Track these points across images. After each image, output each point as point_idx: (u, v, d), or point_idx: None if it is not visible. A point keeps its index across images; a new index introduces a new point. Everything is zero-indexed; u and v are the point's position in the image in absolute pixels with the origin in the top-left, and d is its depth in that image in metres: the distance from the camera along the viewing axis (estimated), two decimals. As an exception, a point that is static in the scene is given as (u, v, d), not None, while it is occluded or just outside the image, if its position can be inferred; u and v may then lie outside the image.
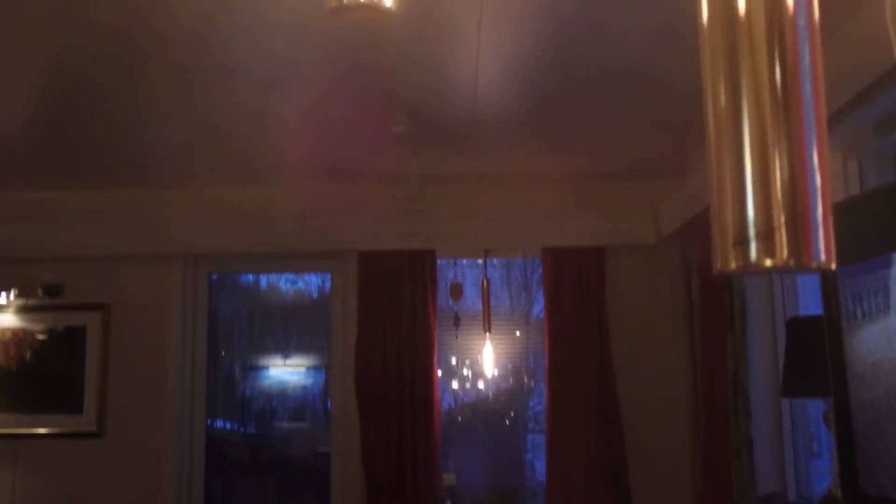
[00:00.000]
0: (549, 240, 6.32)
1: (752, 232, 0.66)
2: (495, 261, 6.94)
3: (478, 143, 5.29)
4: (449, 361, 7.13)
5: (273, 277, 7.29)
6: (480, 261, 6.60)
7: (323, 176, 6.05)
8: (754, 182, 0.67)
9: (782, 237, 0.66)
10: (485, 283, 5.81)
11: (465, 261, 6.94)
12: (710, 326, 5.44)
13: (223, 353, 7.05)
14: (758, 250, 0.66)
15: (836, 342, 3.41)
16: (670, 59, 3.81)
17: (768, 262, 0.65)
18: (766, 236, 0.65)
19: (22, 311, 6.42)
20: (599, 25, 3.65)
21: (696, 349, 6.05)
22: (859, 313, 3.59)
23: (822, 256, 0.66)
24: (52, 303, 6.40)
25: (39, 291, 6.40)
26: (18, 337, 6.43)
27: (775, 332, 5.26)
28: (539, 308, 6.91)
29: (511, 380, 7.29)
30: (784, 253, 0.65)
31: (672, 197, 5.97)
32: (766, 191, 0.67)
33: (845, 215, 3.88)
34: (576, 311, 6.26)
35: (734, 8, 0.72)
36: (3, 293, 6.41)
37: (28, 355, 6.41)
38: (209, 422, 6.63)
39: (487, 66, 4.03)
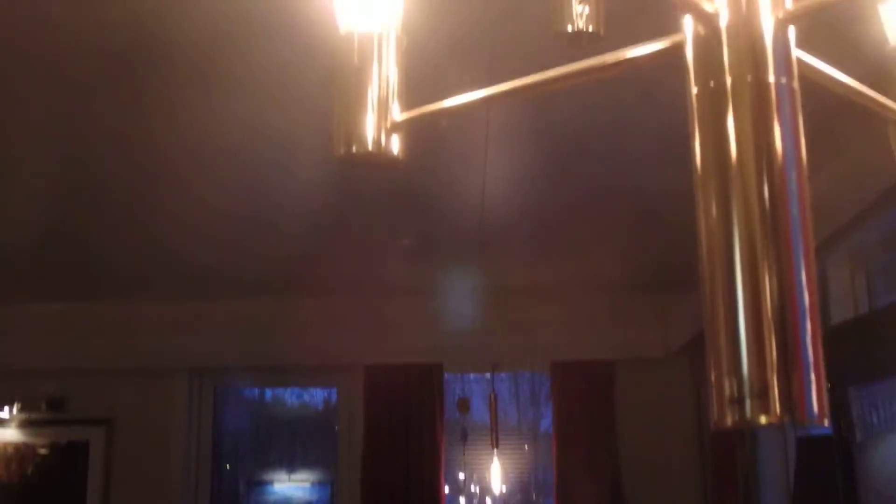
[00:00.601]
0: (558, 354, 6.28)
1: (747, 390, 0.70)
2: (503, 375, 6.88)
3: (485, 256, 5.28)
4: (456, 476, 7.02)
5: (278, 391, 7.23)
6: (488, 375, 6.54)
7: (328, 289, 6.05)
8: (748, 340, 0.71)
9: (776, 395, 0.69)
10: (492, 398, 5.75)
11: (472, 374, 6.88)
12: (720, 443, 5.36)
13: (227, 467, 6.96)
14: (753, 408, 0.69)
15: (848, 462, 3.34)
16: (676, 174, 3.81)
17: (763, 419, 0.68)
18: (761, 394, 0.69)
19: (24, 425, 6.36)
20: (605, 142, 3.67)
21: (707, 465, 5.95)
22: (875, 420, 3.55)
23: (815, 412, 0.70)
24: (55, 417, 6.34)
25: (42, 405, 6.34)
26: (20, 452, 6.36)
27: (786, 451, 5.17)
28: (547, 423, 6.83)
29: (519, 496, 7.16)
30: (778, 409, 0.68)
31: (680, 311, 5.94)
32: (761, 350, 0.71)
33: (856, 334, 3.84)
34: (585, 426, 6.18)
35: (726, 151, 0.75)
36: (6, 407, 6.35)
37: (30, 471, 6.33)
38: (212, 539, 6.51)
39: (495, 183, 4.05)
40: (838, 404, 3.60)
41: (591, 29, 1.37)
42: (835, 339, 3.94)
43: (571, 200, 4.40)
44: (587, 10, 1.37)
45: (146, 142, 3.68)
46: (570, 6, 1.36)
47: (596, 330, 6.24)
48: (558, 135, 3.60)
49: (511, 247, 5.13)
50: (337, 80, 1.03)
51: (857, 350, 3.72)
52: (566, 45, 1.37)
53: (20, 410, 6.36)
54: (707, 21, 0.79)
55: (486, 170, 3.83)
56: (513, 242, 5.05)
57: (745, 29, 0.78)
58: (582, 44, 1.37)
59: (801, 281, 0.73)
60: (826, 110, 0.96)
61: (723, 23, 0.79)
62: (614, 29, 1.33)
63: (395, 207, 4.50)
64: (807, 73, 0.87)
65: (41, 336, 6.29)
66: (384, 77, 1.03)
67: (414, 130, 1.02)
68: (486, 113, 3.08)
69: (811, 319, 0.72)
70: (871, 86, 1.01)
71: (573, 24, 1.37)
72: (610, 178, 4.09)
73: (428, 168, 3.87)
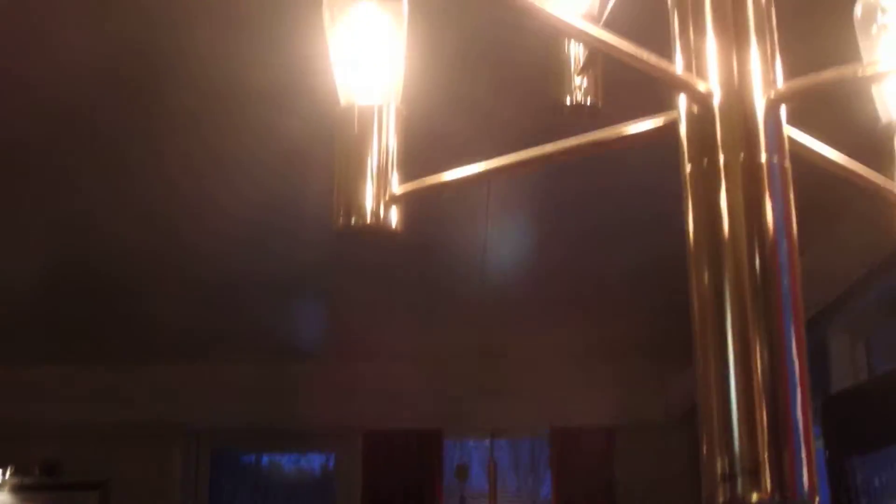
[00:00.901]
0: (557, 419, 6.24)
1: (738, 467, 0.71)
2: (502, 441, 6.84)
3: (484, 321, 5.29)
4: (455, 544, 6.94)
5: (275, 456, 7.17)
6: (487, 442, 6.50)
7: (326, 353, 6.04)
8: (740, 416, 0.73)
9: (767, 472, 0.70)
10: (491, 466, 5.72)
11: (471, 441, 6.83)
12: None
13: (224, 534, 6.89)
14: (744, 485, 0.71)
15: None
16: (674, 243, 3.83)
17: (754, 497, 0.69)
18: (752, 472, 0.70)
19: (18, 490, 6.29)
20: (603, 213, 3.70)
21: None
22: (878, 487, 3.52)
23: (806, 489, 0.70)
24: (49, 482, 6.27)
25: (36, 469, 6.28)
26: (13, 517, 6.28)
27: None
28: (547, 489, 6.77)
29: (518, 564, 7.08)
30: (769, 486, 0.69)
31: (679, 377, 5.92)
32: (752, 427, 0.72)
33: (856, 401, 3.83)
34: (584, 492, 6.13)
35: (719, 227, 0.77)
36: None
37: (23, 537, 6.26)
38: None
39: (495, 247, 4.07)
40: (839, 472, 3.58)
41: (589, 101, 1.39)
42: (836, 407, 3.93)
43: (571, 265, 4.41)
44: (586, 82, 1.39)
45: (143, 213, 3.71)
46: (570, 78, 1.38)
47: (596, 395, 6.21)
48: (560, 200, 3.62)
49: (510, 310, 5.13)
50: (337, 152, 1.05)
51: (858, 418, 3.71)
52: (565, 116, 1.39)
53: (13, 475, 6.29)
54: (700, 100, 0.81)
55: (486, 235, 3.85)
56: (512, 306, 5.05)
57: (738, 108, 0.80)
58: (581, 116, 1.38)
59: (791, 356, 0.74)
60: (826, 177, 0.97)
61: (716, 102, 0.81)
62: (612, 102, 1.35)
63: (394, 273, 4.51)
64: (799, 150, 0.89)
65: (35, 398, 6.25)
66: (384, 149, 1.05)
67: (414, 200, 1.03)
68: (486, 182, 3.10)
69: (801, 394, 0.73)
70: (865, 162, 1.02)
71: (572, 97, 1.39)
72: (610, 245, 4.11)
73: (428, 234, 3.89)
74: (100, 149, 3.33)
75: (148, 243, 4.09)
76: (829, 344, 4.19)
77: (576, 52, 1.36)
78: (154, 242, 4.10)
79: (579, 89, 1.38)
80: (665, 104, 0.87)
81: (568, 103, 1.37)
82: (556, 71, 1.37)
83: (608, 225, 3.86)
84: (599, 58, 1.24)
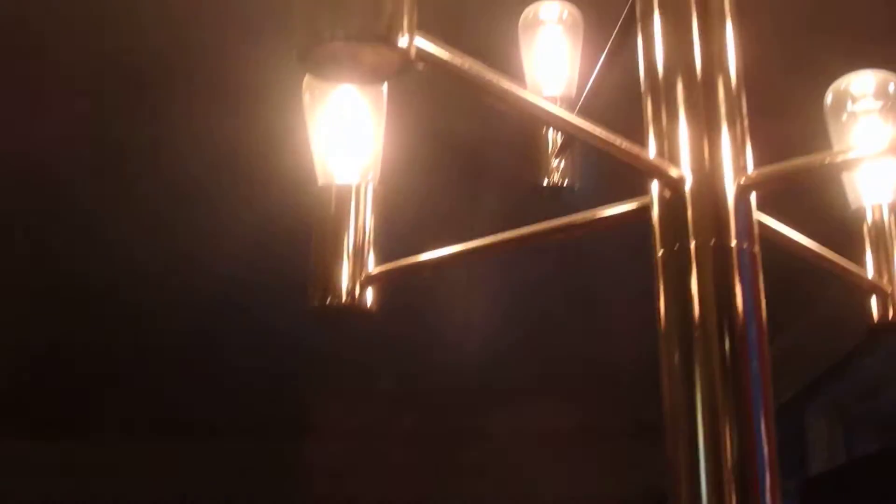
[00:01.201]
0: (527, 501, 6.18)
1: None
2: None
3: (456, 402, 5.27)
4: None
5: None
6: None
7: (312, 433, 5.98)
8: (709, 497, 0.74)
9: None
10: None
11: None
12: None
13: None
14: None
15: None
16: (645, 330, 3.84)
17: None
18: None
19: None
20: (568, 296, 3.72)
21: None
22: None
23: None
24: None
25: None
26: None
27: None
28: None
29: None
30: None
31: (651, 460, 5.89)
32: None
33: (834, 484, 3.82)
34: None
35: (690, 312, 0.78)
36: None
37: None
38: None
39: (463, 329, 4.06)
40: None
41: (566, 183, 1.40)
42: (814, 490, 3.91)
43: (542, 348, 4.41)
44: (563, 165, 1.41)
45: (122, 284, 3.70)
46: (547, 161, 1.40)
47: (567, 477, 6.15)
48: (543, 282, 3.64)
49: (481, 393, 5.12)
50: (314, 231, 1.05)
51: (837, 501, 3.70)
52: (542, 198, 1.40)
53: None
54: (672, 185, 0.82)
55: (469, 317, 3.86)
56: (483, 389, 5.03)
57: (709, 194, 0.82)
58: (558, 197, 1.40)
59: (761, 440, 0.75)
60: (802, 261, 0.98)
61: (687, 187, 0.82)
62: (590, 184, 1.37)
63: (372, 356, 4.50)
64: (771, 236, 0.91)
65: (17, 475, 6.14)
66: (360, 228, 1.05)
67: (392, 281, 1.04)
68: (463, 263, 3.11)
69: (771, 479, 0.74)
70: (839, 248, 1.04)
71: (549, 178, 1.40)
72: (576, 328, 4.11)
73: (407, 315, 3.89)
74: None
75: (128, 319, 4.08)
76: (807, 426, 4.19)
77: (553, 136, 1.38)
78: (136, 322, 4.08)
79: (556, 171, 1.40)
80: (637, 192, 0.89)
81: (545, 185, 1.39)
82: (533, 153, 1.39)
83: (593, 313, 3.87)
84: (576, 141, 1.26)
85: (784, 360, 3.73)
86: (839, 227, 1.15)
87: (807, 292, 3.41)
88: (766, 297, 0.80)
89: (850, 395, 4.00)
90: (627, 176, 0.85)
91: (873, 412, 4.02)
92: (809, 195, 1.31)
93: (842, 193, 1.14)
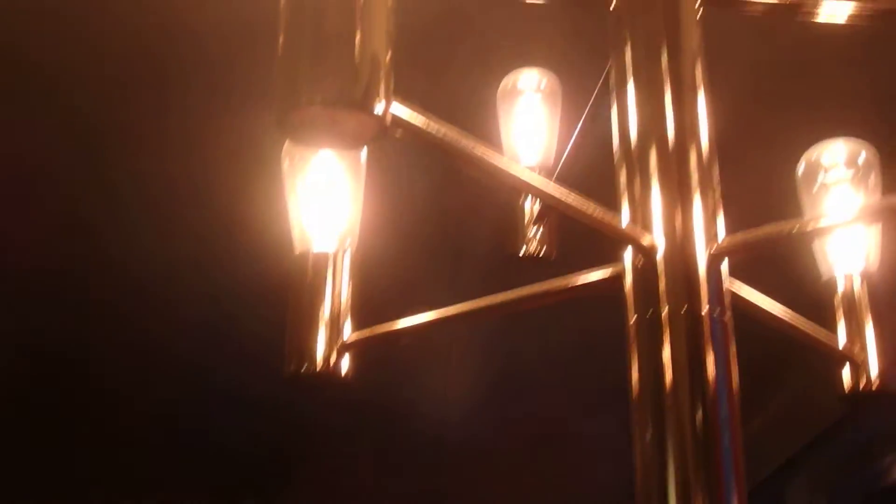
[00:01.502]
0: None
1: None
2: None
3: (436, 469, 5.21)
4: None
5: None
6: None
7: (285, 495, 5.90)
8: None
9: None
10: None
11: None
12: None
13: None
14: None
15: None
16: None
17: None
18: None
19: None
20: (547, 362, 3.71)
21: None
22: None
23: None
24: None
25: None
26: None
27: None
28: None
29: None
30: None
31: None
32: None
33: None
34: None
35: (661, 379, 0.78)
36: None
37: None
38: None
39: (444, 397, 4.04)
40: None
41: (542, 252, 1.41)
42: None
43: (524, 416, 4.38)
44: (540, 233, 1.41)
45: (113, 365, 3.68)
46: (524, 229, 1.40)
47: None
48: (520, 350, 3.62)
49: (462, 461, 5.07)
50: (290, 298, 1.05)
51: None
52: (520, 265, 1.40)
53: None
54: (645, 253, 0.83)
55: (447, 382, 3.83)
56: (464, 457, 4.99)
57: (680, 262, 0.82)
58: (534, 265, 1.40)
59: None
60: (777, 332, 0.99)
61: (660, 255, 0.82)
62: (565, 253, 1.37)
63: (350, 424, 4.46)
64: (741, 304, 0.90)
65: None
66: (337, 296, 1.05)
67: (369, 349, 1.03)
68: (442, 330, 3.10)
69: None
70: (810, 316, 1.04)
71: (526, 247, 1.41)
72: (569, 400, 4.09)
73: (387, 373, 3.87)
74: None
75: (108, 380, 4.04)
76: (790, 499, 4.15)
77: (530, 205, 1.38)
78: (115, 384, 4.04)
79: (534, 239, 1.40)
80: (610, 259, 0.89)
81: (522, 254, 1.39)
82: (510, 222, 1.40)
83: (573, 376, 3.85)
84: (553, 210, 1.27)
85: (765, 432, 3.72)
86: (813, 296, 1.15)
87: (787, 364, 3.42)
88: (744, 372, 0.80)
89: (833, 466, 3.98)
90: (602, 243, 0.86)
91: (857, 483, 4.00)
92: (784, 263, 1.31)
93: (814, 263, 1.14)
